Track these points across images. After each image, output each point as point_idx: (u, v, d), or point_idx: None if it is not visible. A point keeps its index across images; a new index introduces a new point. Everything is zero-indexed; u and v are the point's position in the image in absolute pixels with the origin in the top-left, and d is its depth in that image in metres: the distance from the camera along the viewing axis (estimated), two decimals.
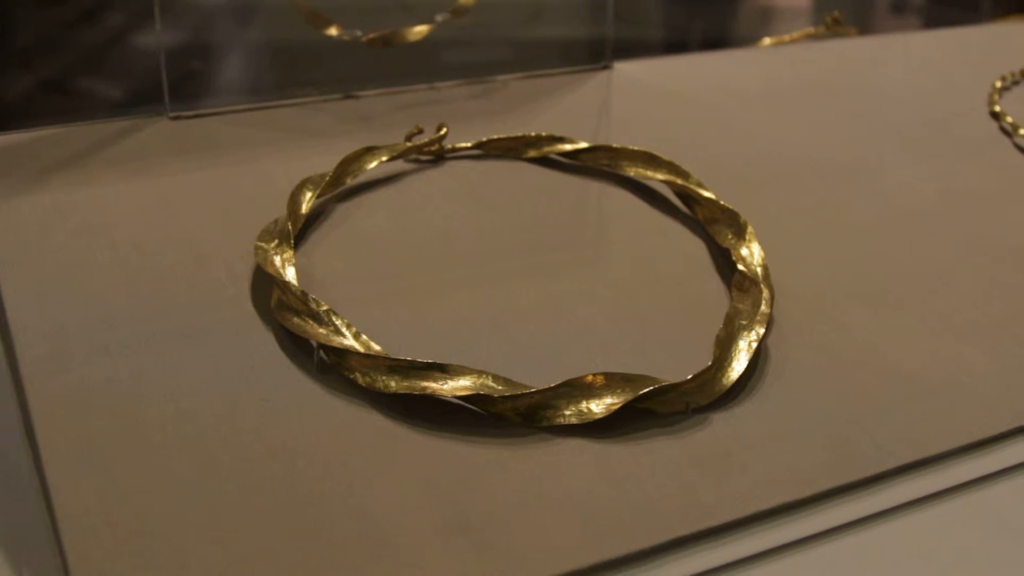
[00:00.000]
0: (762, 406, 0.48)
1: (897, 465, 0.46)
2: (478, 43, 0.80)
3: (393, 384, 0.45)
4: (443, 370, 0.45)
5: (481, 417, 0.45)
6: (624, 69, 0.76)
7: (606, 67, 0.76)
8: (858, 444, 0.46)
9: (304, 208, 0.54)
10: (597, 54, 0.76)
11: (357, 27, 0.69)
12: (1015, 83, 0.84)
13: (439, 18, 0.70)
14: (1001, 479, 0.47)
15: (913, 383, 0.50)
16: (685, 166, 0.61)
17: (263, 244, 0.51)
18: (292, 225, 0.52)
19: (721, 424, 0.46)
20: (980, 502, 0.46)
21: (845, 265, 0.58)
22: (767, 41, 0.96)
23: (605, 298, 0.53)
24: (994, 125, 0.77)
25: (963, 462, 0.47)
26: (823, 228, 0.61)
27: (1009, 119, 0.76)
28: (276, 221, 0.53)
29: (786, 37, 0.97)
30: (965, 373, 0.51)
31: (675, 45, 1.35)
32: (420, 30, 0.70)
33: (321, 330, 0.47)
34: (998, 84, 0.81)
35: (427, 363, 0.45)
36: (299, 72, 0.73)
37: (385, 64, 0.72)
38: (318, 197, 0.55)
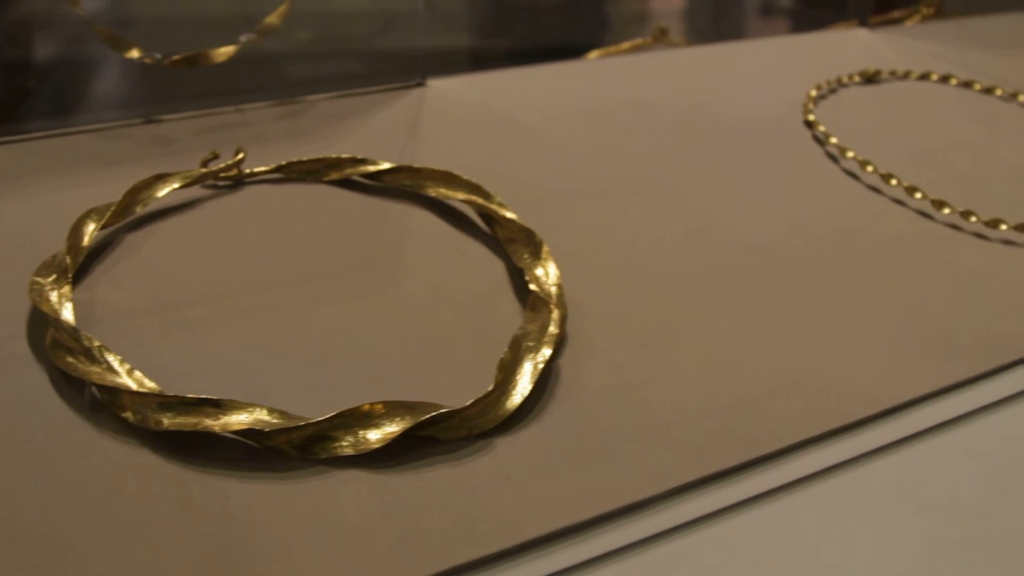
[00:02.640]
0: (548, 428, 0.47)
1: (681, 483, 0.46)
2: (298, 60, 0.79)
3: (165, 421, 0.44)
4: (216, 405, 0.44)
5: (257, 452, 0.44)
6: (438, 86, 0.75)
7: (420, 84, 0.75)
8: (641, 463, 0.46)
9: (86, 240, 0.53)
10: (418, 69, 0.76)
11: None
12: (831, 91, 0.86)
13: (243, 38, 0.69)
14: (788, 493, 0.48)
15: (704, 398, 0.50)
16: (493, 184, 0.61)
17: (39, 279, 0.50)
18: (71, 259, 0.51)
19: (504, 449, 0.46)
20: (765, 518, 0.46)
21: (646, 281, 0.58)
22: (594, 53, 0.96)
23: (396, 323, 0.52)
24: (808, 134, 0.78)
25: (749, 477, 0.47)
26: (627, 244, 0.61)
27: (822, 128, 0.77)
28: (55, 255, 0.52)
29: (612, 49, 0.97)
30: (756, 388, 0.52)
31: (524, 55, 1.34)
32: (226, 51, 0.69)
33: (93, 368, 0.46)
34: (813, 93, 0.83)
35: (199, 399, 0.44)
36: (100, 96, 0.72)
37: (193, 86, 0.71)
38: (104, 228, 0.54)
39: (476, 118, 0.72)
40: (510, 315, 0.54)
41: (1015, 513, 0.48)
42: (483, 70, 0.83)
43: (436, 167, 0.61)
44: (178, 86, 0.72)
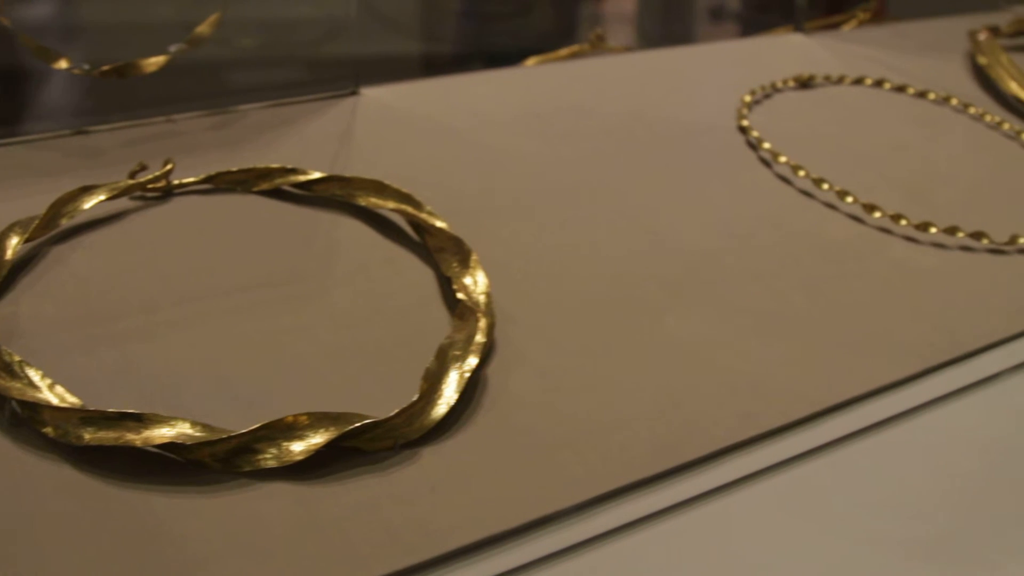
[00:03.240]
0: (474, 437, 0.47)
1: (611, 488, 0.46)
2: (231, 69, 0.79)
3: (86, 436, 0.43)
4: (138, 419, 0.44)
5: (180, 466, 0.44)
6: (372, 95, 0.75)
7: (353, 93, 0.75)
8: (570, 470, 0.47)
9: (9, 254, 0.52)
10: (351, 77, 0.75)
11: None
12: (766, 96, 0.86)
13: (173, 49, 0.68)
14: (723, 495, 0.48)
15: (636, 404, 0.51)
16: (426, 193, 0.61)
17: None
18: None
19: (430, 458, 0.46)
20: (699, 521, 0.47)
21: (578, 288, 0.59)
22: (531, 60, 0.96)
23: (323, 333, 0.52)
24: (742, 139, 0.79)
25: (682, 481, 0.48)
26: (560, 251, 0.61)
27: (755, 133, 0.78)
28: None
29: (550, 55, 0.97)
30: (689, 392, 0.52)
31: (480, 60, 1.34)
32: (156, 61, 0.68)
33: (14, 383, 0.45)
34: (747, 98, 0.83)
35: (120, 413, 0.44)
36: (32, 107, 0.71)
37: (126, 96, 0.71)
38: (28, 241, 0.53)
39: (410, 126, 0.72)
40: (438, 324, 0.54)
41: (955, 510, 0.48)
42: (429, 77, 0.83)
43: (367, 176, 0.61)
44: (111, 96, 0.71)
